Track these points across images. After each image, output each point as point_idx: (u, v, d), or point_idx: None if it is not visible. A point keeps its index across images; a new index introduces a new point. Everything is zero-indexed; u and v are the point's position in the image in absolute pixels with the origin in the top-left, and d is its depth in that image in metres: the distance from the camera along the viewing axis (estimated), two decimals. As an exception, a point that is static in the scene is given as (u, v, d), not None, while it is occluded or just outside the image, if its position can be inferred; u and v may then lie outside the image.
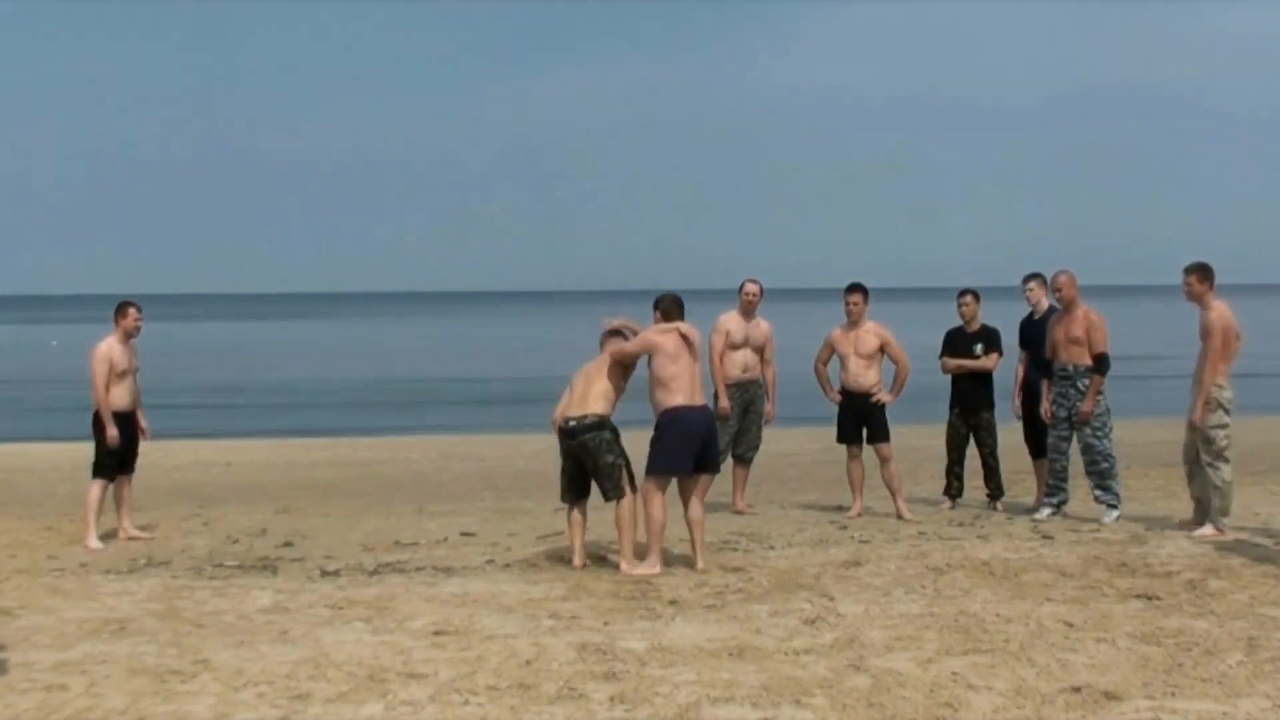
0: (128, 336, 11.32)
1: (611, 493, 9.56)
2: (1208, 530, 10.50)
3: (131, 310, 11.34)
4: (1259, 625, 7.68)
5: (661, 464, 9.47)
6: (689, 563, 9.62)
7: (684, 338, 9.52)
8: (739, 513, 12.27)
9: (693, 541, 9.61)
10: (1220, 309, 10.52)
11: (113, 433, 11.09)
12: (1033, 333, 12.07)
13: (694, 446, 9.47)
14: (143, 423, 11.50)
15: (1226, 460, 10.58)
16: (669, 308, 9.70)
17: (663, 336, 9.51)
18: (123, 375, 11.20)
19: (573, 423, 9.53)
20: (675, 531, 10.02)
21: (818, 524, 11.59)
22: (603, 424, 9.51)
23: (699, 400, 9.56)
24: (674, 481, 9.56)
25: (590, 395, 9.58)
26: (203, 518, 12.66)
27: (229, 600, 8.74)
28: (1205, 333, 10.52)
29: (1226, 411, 10.57)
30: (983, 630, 7.61)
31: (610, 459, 9.50)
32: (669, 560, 9.69)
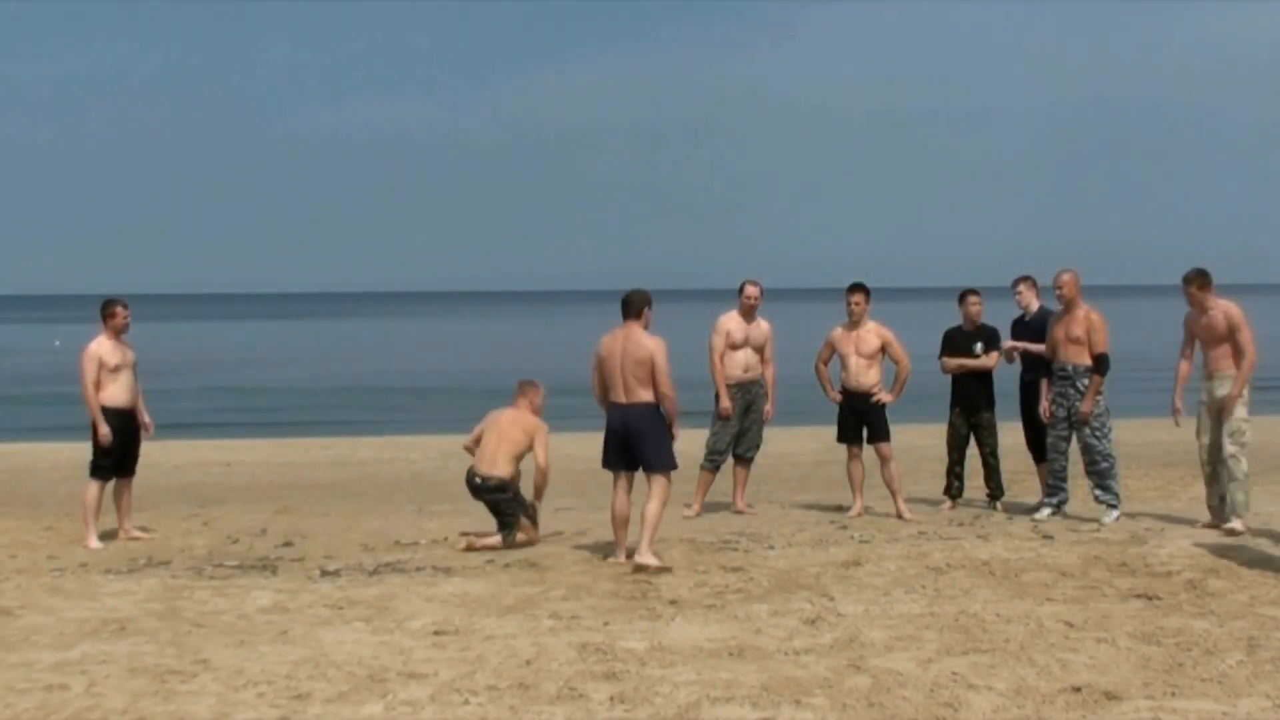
0: (118, 334, 11.33)
1: (504, 529, 10.65)
2: (1237, 525, 10.57)
3: (118, 309, 11.35)
4: (1259, 625, 7.67)
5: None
6: (689, 561, 9.67)
7: (625, 338, 9.80)
8: (739, 513, 12.28)
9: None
10: (1235, 306, 10.83)
11: (104, 430, 11.07)
12: (1023, 334, 12.12)
13: (615, 443, 9.87)
14: (145, 419, 11.49)
15: (1245, 455, 10.73)
16: (623, 305, 9.91)
17: (602, 340, 9.95)
18: (117, 371, 11.18)
19: (478, 480, 10.72)
20: (671, 531, 10.04)
21: (818, 524, 11.58)
22: (504, 487, 10.64)
23: (620, 398, 9.76)
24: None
25: (500, 455, 10.69)
26: (203, 518, 12.66)
27: (229, 600, 8.73)
28: (1231, 328, 10.75)
29: (1247, 406, 10.81)
30: (983, 630, 7.61)
31: (509, 510, 10.64)
32: (668, 561, 9.71)
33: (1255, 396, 11.01)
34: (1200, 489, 11.48)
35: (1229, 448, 10.73)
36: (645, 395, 9.69)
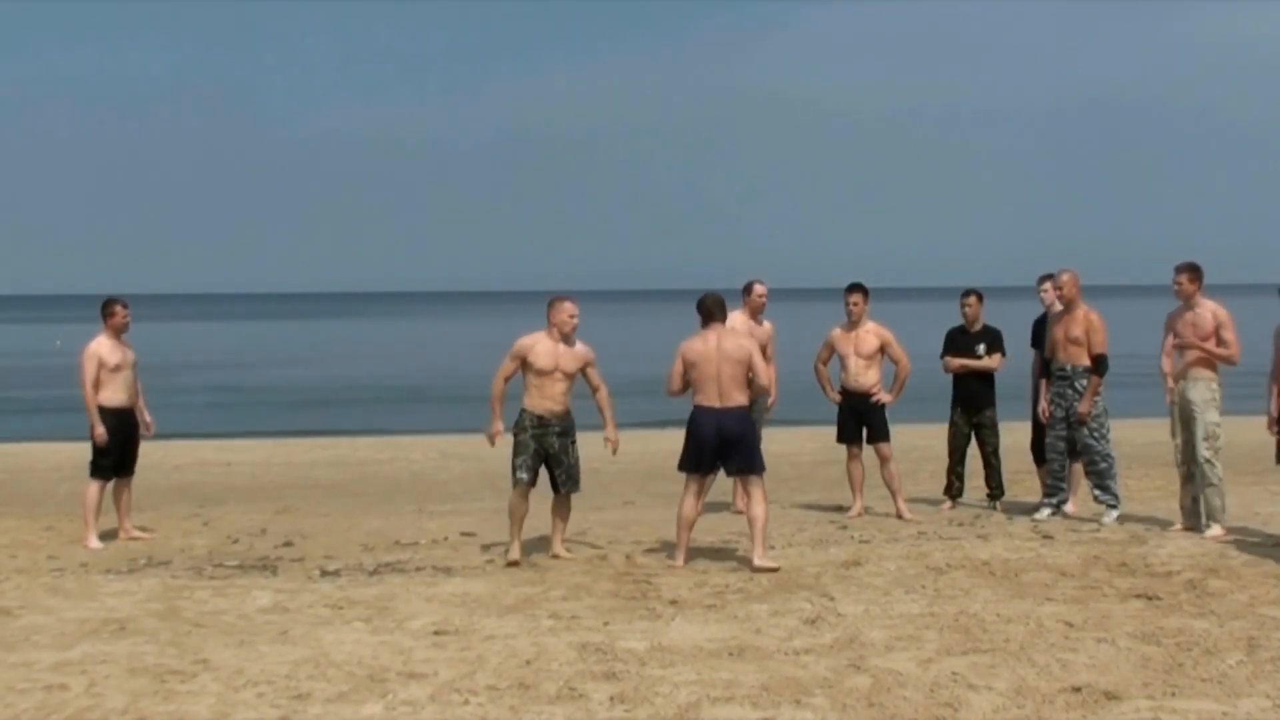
0: (118, 333, 11.33)
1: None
2: (1218, 530, 10.51)
3: (118, 308, 11.36)
4: (1259, 625, 7.68)
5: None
6: (689, 560, 9.69)
7: (720, 339, 9.66)
8: (739, 513, 12.24)
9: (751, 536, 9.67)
10: (1220, 307, 10.68)
11: (100, 430, 11.06)
12: (1044, 333, 12.06)
13: (704, 447, 9.68)
14: (146, 417, 11.49)
15: (1219, 459, 10.67)
16: (708, 309, 9.82)
17: (688, 344, 9.73)
18: (116, 370, 11.18)
19: None
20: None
21: (818, 524, 11.59)
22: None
23: (714, 402, 9.62)
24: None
25: None
26: (203, 518, 12.66)
27: (229, 600, 8.74)
28: (1219, 325, 10.60)
29: (1219, 409, 10.71)
30: (983, 630, 7.61)
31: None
32: (667, 564, 9.72)
33: (1258, 403, 10.90)
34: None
35: (1203, 452, 10.62)
36: (740, 398, 9.61)
